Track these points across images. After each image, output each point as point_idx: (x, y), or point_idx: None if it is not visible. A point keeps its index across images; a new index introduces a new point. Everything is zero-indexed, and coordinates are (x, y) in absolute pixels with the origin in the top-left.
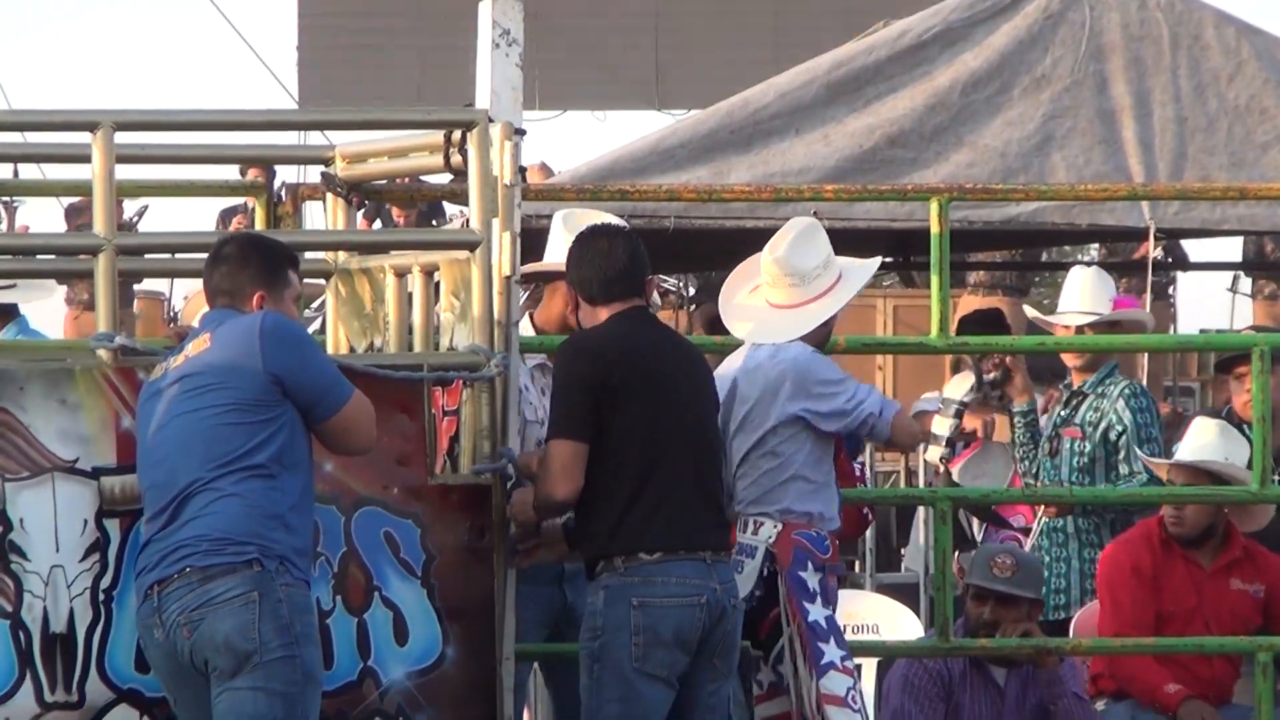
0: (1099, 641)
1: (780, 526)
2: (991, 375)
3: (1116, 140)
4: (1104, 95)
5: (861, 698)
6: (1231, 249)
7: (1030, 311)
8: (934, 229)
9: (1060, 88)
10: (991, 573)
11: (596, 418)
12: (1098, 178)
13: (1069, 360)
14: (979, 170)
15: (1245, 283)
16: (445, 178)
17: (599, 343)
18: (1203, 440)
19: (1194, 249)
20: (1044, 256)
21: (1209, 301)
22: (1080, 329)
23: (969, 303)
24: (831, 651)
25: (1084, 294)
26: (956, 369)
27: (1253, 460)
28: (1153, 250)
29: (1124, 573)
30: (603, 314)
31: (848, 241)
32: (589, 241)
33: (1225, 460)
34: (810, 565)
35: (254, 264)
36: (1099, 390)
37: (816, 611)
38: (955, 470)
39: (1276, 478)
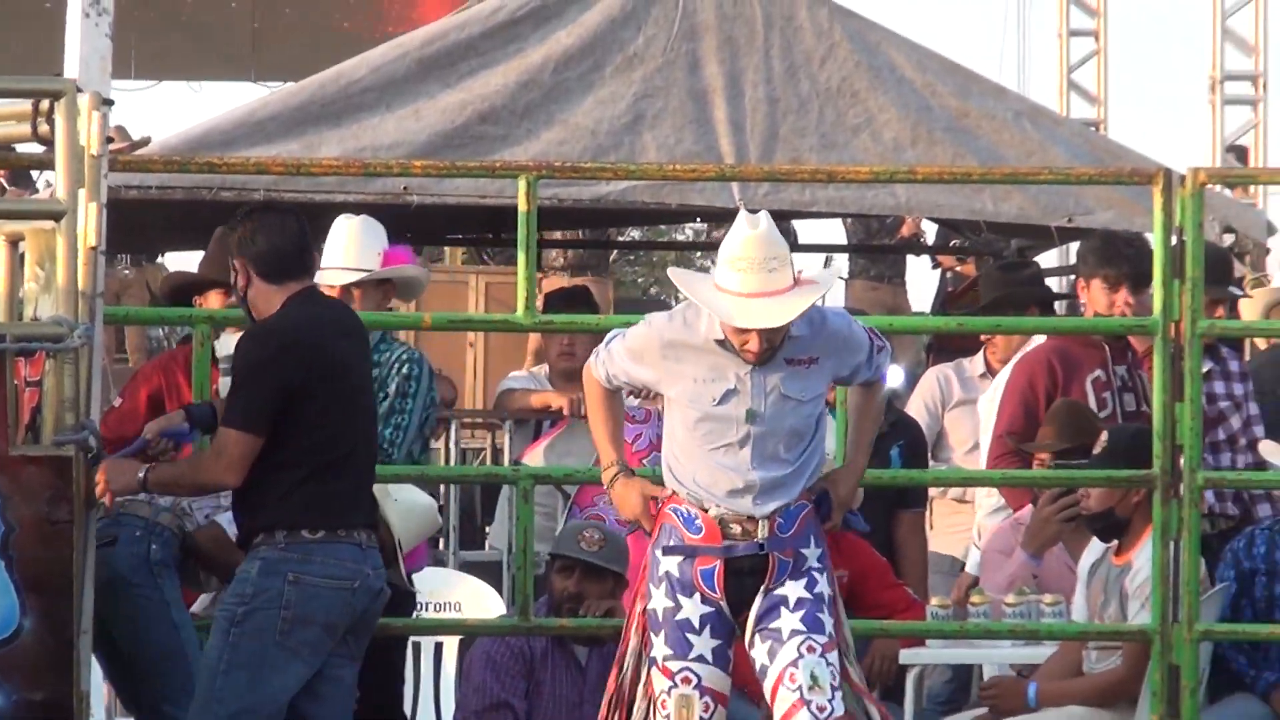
0: None
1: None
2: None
3: (708, 120)
4: (696, 75)
5: (686, 706)
6: (833, 231)
7: None
8: (522, 207)
9: (653, 67)
10: (579, 545)
11: (278, 410)
12: (689, 158)
13: None
14: (570, 148)
15: (838, 266)
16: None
17: (286, 331)
18: None
19: (801, 229)
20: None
21: None
22: (347, 288)
23: (557, 281)
24: (657, 647)
25: (349, 248)
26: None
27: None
28: None
29: None
30: (277, 297)
31: (438, 217)
32: (261, 217)
33: None
34: (664, 547)
35: None
36: (379, 357)
37: (657, 599)
38: (540, 448)
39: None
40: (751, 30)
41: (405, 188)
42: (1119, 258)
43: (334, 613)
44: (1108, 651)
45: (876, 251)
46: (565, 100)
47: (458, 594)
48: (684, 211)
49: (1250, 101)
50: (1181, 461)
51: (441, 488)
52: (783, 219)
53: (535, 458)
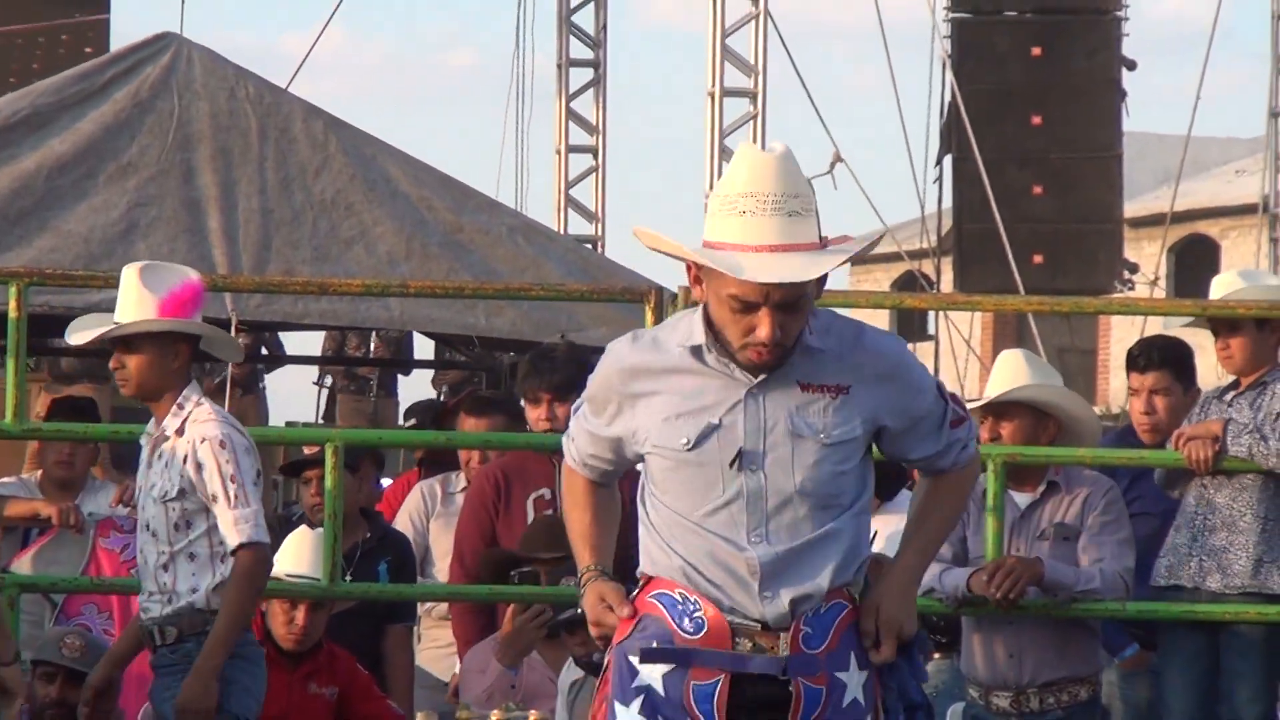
0: None
1: None
2: None
3: (202, 230)
4: (191, 185)
5: None
6: (316, 343)
7: None
8: (12, 313)
9: (147, 175)
10: (60, 652)
11: None
12: None
13: None
14: (62, 256)
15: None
16: None
17: None
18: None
19: (288, 341)
20: None
21: (302, 395)
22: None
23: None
24: None
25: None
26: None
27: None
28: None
29: None
30: None
31: None
32: None
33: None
34: (644, 649)
35: None
36: None
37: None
38: (28, 556)
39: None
40: (246, 141)
41: None
42: (543, 370)
43: None
44: None
45: (359, 364)
46: (58, 207)
47: None
48: None
49: None
50: None
51: None
52: (272, 330)
53: (23, 565)
